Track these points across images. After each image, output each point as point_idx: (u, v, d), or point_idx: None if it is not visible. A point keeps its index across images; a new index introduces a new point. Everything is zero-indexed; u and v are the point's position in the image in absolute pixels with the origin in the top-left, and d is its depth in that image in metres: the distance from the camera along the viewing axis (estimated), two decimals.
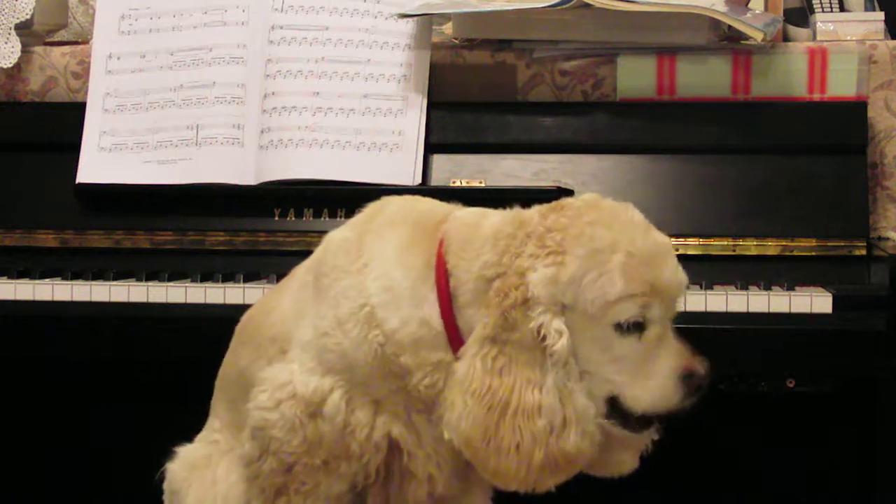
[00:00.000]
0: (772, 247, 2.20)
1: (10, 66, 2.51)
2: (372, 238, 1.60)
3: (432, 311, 1.54)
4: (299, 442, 1.58)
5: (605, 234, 1.51)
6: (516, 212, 1.58)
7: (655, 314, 1.50)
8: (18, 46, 2.50)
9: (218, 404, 1.82)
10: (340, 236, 1.65)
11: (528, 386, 1.47)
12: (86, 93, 2.44)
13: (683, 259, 2.17)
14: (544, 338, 1.48)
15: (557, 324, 1.48)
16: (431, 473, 1.61)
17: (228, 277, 2.17)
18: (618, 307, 1.48)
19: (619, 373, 1.50)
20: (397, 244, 1.58)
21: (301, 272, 1.71)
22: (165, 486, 1.82)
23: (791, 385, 2.14)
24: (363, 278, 1.57)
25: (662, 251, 1.54)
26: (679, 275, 1.54)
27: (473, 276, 1.53)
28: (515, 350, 1.48)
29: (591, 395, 1.51)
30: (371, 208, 1.66)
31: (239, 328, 1.80)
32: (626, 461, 1.62)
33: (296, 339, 1.63)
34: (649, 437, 1.58)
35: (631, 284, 1.48)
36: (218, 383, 1.84)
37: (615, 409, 1.53)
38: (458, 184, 2.26)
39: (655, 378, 1.50)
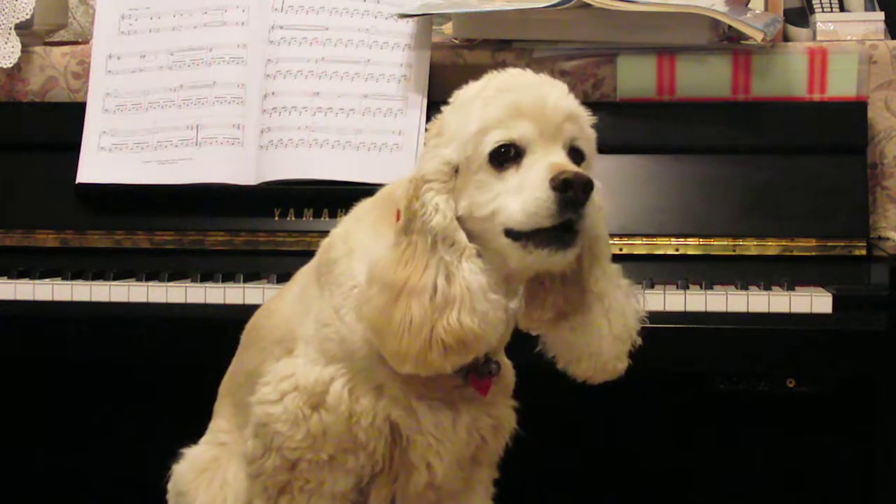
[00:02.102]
0: (772, 247, 2.20)
1: (10, 66, 2.51)
2: (354, 225, 1.63)
3: None
4: (303, 436, 1.57)
5: (474, 85, 1.54)
6: None
7: (527, 136, 1.47)
8: (18, 46, 2.50)
9: (223, 408, 1.82)
10: (331, 233, 1.67)
11: (422, 269, 1.48)
12: (86, 93, 2.44)
13: (683, 259, 2.21)
14: (425, 216, 1.49)
15: (437, 199, 1.49)
16: (430, 462, 1.60)
17: (228, 277, 2.17)
18: (485, 138, 1.48)
19: (502, 200, 1.47)
20: (371, 223, 1.61)
21: (302, 275, 1.72)
22: (171, 487, 1.81)
23: (791, 385, 2.14)
24: (350, 261, 1.59)
25: (533, 80, 1.52)
26: (553, 97, 1.50)
27: None
28: (419, 237, 1.49)
29: (491, 272, 1.49)
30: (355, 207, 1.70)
31: (244, 334, 1.80)
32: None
33: (300, 335, 1.63)
34: (551, 258, 1.48)
35: (490, 110, 1.49)
36: (223, 389, 1.84)
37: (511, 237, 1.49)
38: None
39: (527, 190, 1.45)
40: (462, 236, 1.49)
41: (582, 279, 1.56)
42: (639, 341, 1.59)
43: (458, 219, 1.50)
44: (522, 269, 1.51)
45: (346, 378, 1.57)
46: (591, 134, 1.56)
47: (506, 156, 1.47)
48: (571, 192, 1.43)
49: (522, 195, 1.45)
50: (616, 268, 1.59)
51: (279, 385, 1.59)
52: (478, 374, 1.59)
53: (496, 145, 1.47)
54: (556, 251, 1.46)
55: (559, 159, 1.47)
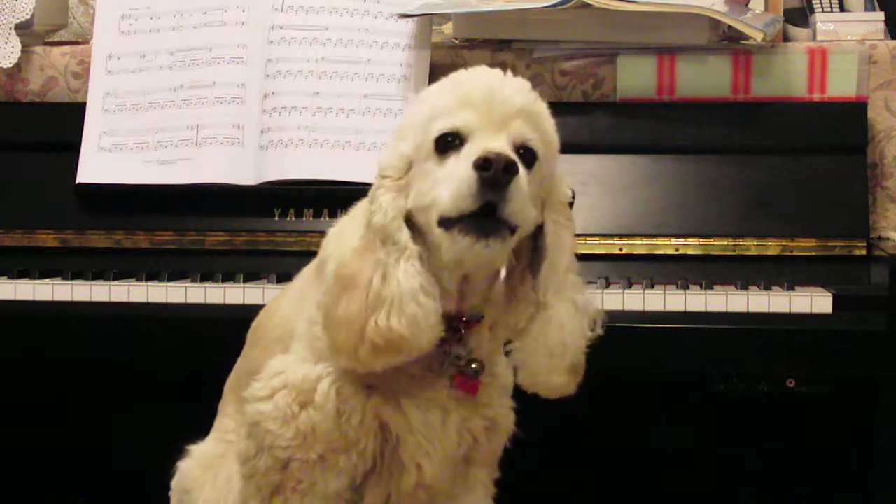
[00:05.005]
0: (772, 247, 2.20)
1: (10, 66, 2.51)
2: (348, 223, 1.63)
3: None
4: (293, 434, 1.56)
5: (436, 84, 1.55)
6: None
7: (471, 125, 1.46)
8: (18, 46, 2.50)
9: (229, 407, 1.82)
10: (330, 231, 1.67)
11: (369, 266, 1.49)
12: (86, 93, 2.44)
13: (683, 259, 2.21)
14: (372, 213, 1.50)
15: (383, 197, 1.50)
16: (420, 462, 1.59)
17: (228, 277, 2.17)
18: (432, 125, 1.48)
19: (437, 189, 1.47)
20: (362, 221, 1.60)
21: (304, 273, 1.73)
22: (175, 484, 1.81)
23: (791, 385, 2.14)
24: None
25: (493, 75, 1.52)
26: (506, 91, 1.49)
27: None
28: (374, 233, 1.51)
29: (431, 275, 1.49)
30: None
31: (249, 333, 1.81)
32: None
33: (295, 332, 1.64)
34: (473, 246, 1.45)
35: (440, 99, 1.50)
36: (228, 387, 1.84)
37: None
38: None
39: (455, 174, 1.45)
40: (404, 236, 1.49)
41: (536, 289, 1.55)
42: (581, 361, 1.55)
43: (410, 212, 1.50)
44: (455, 262, 1.49)
45: (333, 376, 1.57)
46: (551, 136, 1.54)
47: (450, 144, 1.47)
48: (491, 172, 1.41)
49: (451, 181, 1.45)
50: (575, 281, 1.56)
51: (270, 381, 1.59)
52: (462, 375, 1.59)
53: (440, 133, 1.47)
54: (479, 240, 1.44)
55: (496, 145, 1.45)
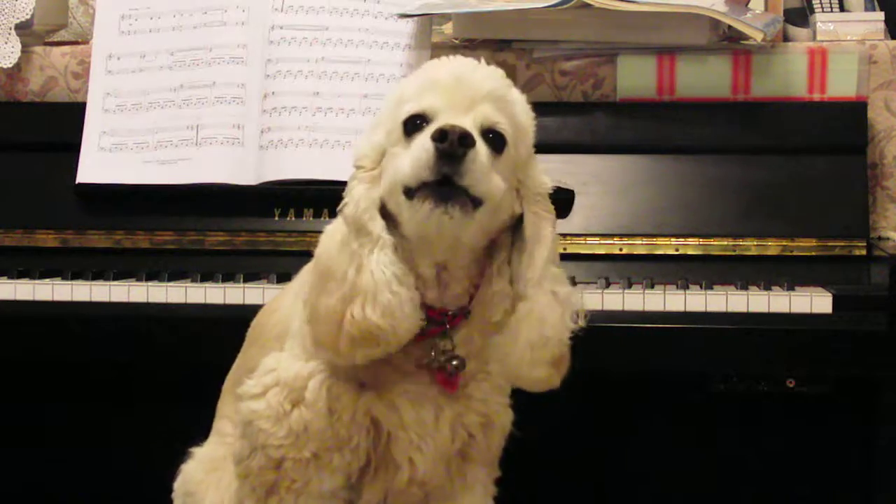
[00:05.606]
0: (772, 247, 2.20)
1: (10, 66, 2.51)
2: None
3: None
4: (285, 433, 1.56)
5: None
6: None
7: (436, 107, 1.48)
8: (18, 46, 2.50)
9: (226, 407, 1.81)
10: (326, 229, 1.66)
11: (345, 258, 1.51)
12: (86, 93, 2.44)
13: (683, 259, 2.22)
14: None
15: (356, 188, 1.54)
16: (412, 458, 1.59)
17: (228, 277, 2.17)
18: (400, 110, 1.51)
19: (400, 161, 1.49)
20: None
21: (303, 272, 1.72)
22: (177, 487, 1.80)
23: (791, 385, 2.14)
24: None
25: (465, 62, 1.54)
26: (476, 76, 1.51)
27: None
28: (347, 224, 1.54)
29: (405, 264, 1.50)
30: None
31: (248, 332, 1.81)
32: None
33: (291, 330, 1.64)
34: (430, 212, 1.46)
35: (409, 84, 1.54)
36: (226, 387, 1.84)
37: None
38: None
39: (416, 147, 1.47)
40: (377, 226, 1.51)
41: (514, 282, 1.55)
42: (564, 353, 1.54)
43: (384, 201, 1.52)
44: (419, 233, 1.49)
45: (325, 374, 1.57)
46: (522, 121, 1.54)
47: (417, 127, 1.49)
48: (447, 144, 1.42)
49: (412, 151, 1.47)
50: (557, 273, 1.56)
51: (262, 378, 1.60)
52: (443, 371, 1.58)
53: (407, 115, 1.50)
54: (438, 205, 1.45)
55: (456, 121, 1.46)
